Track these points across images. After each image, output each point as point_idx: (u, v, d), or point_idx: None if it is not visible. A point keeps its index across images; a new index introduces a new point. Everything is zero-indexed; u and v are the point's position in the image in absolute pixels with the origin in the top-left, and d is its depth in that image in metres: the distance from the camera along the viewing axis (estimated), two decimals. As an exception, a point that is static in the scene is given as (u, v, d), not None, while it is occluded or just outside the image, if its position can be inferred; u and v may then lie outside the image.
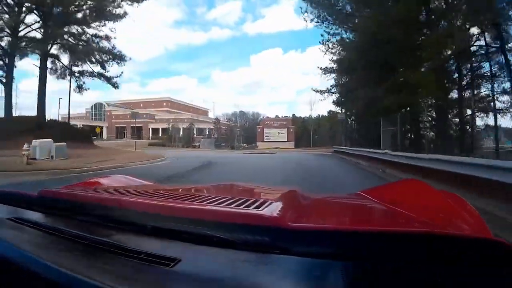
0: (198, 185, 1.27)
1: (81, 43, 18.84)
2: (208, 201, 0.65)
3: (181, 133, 38.87)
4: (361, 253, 0.48)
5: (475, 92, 13.33)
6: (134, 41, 74.85)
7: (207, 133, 40.41)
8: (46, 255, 0.51)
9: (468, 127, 13.59)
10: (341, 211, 0.84)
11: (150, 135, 35.67)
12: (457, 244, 0.48)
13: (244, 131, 41.15)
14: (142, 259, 0.50)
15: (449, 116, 13.83)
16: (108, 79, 19.85)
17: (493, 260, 0.45)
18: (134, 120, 32.93)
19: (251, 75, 71.66)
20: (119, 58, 19.51)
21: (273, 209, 0.57)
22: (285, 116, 49.99)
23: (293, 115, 52.08)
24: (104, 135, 45.75)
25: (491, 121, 13.00)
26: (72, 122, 37.59)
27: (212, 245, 0.53)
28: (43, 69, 17.96)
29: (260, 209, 0.57)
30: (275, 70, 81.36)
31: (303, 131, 46.41)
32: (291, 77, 79.67)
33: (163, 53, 71.33)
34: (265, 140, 43.48)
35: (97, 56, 19.31)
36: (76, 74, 19.68)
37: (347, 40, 17.46)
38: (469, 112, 13.44)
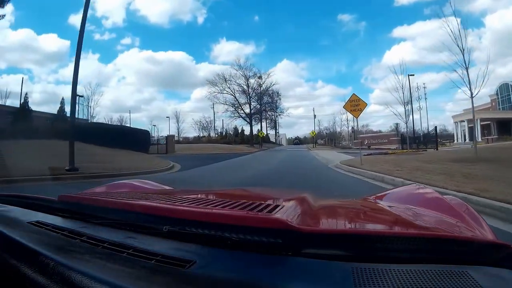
0: (212, 189, 1.28)
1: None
2: (222, 205, 0.66)
3: None
4: (372, 255, 0.50)
5: None
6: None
7: None
8: (65, 258, 0.53)
9: None
10: (350, 215, 0.85)
11: None
12: (465, 246, 0.49)
13: None
14: (159, 261, 0.51)
15: None
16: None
17: (498, 262, 0.46)
18: None
19: None
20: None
21: (285, 212, 0.59)
22: None
23: None
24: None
25: None
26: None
27: (226, 247, 0.54)
28: None
29: (273, 213, 0.58)
30: None
31: None
32: None
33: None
34: None
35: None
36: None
37: None
38: None
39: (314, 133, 45.62)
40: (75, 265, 0.50)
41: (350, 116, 40.53)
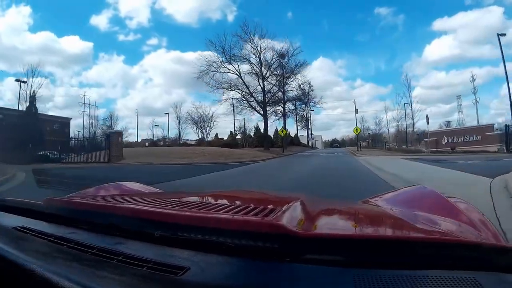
0: (206, 192, 1.24)
1: None
2: (216, 208, 0.64)
3: None
4: (374, 261, 0.48)
5: None
6: None
7: None
8: (53, 265, 0.51)
9: None
10: (351, 218, 0.83)
11: None
12: (472, 251, 0.48)
13: None
14: (150, 268, 0.49)
15: None
16: None
17: (507, 267, 0.45)
18: None
19: None
20: None
21: (282, 216, 0.57)
22: None
23: None
24: None
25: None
26: None
27: (221, 253, 0.53)
28: None
29: (269, 217, 0.56)
30: None
31: None
32: None
33: None
34: None
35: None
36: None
37: None
38: None
39: (359, 130, 29.88)
40: (63, 273, 0.48)
41: (390, 114, 34.63)
